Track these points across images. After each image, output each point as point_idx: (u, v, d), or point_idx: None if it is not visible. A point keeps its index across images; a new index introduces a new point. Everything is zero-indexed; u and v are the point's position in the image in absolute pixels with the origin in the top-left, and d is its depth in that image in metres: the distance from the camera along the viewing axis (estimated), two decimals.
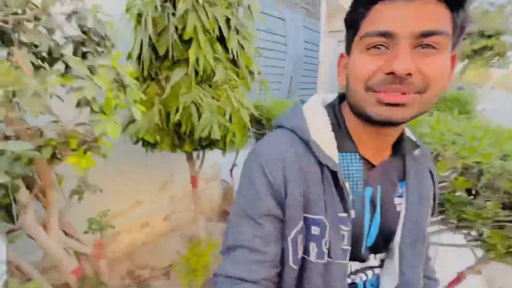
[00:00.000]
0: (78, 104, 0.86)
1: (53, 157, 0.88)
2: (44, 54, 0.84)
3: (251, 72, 1.44)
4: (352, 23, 0.44)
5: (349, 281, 0.54)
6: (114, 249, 1.89)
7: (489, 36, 6.01)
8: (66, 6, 0.83)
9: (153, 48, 1.22)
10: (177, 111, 1.23)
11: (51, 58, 0.84)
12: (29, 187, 0.92)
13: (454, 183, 0.92)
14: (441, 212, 0.98)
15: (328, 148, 0.47)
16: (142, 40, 1.19)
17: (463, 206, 0.90)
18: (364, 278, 0.56)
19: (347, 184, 0.48)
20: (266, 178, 0.47)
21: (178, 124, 1.31)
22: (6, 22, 0.69)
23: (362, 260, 0.55)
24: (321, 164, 0.47)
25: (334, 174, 0.47)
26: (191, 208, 2.37)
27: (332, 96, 0.59)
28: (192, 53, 1.13)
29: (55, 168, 0.96)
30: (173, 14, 1.16)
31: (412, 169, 0.54)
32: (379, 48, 0.40)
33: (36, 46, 0.79)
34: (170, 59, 1.21)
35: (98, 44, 0.88)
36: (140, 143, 1.42)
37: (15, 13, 0.72)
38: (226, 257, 0.49)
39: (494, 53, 5.78)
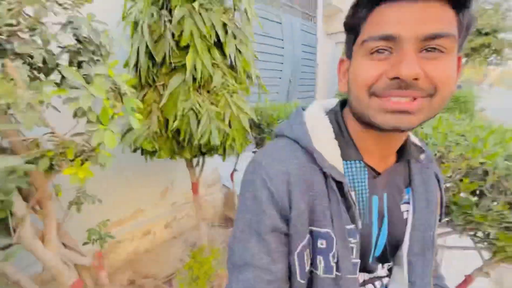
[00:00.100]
0: (75, 115, 0.85)
1: (50, 168, 0.87)
2: (40, 65, 0.83)
3: (249, 77, 1.43)
4: (353, 27, 0.43)
5: None
6: (115, 258, 1.86)
7: (486, 34, 6.02)
8: (61, 16, 0.82)
9: (150, 55, 1.21)
10: (175, 118, 1.22)
11: (47, 68, 0.83)
12: (26, 199, 0.90)
13: (460, 185, 0.90)
14: (447, 214, 0.96)
15: (332, 157, 0.46)
16: (138, 48, 1.19)
17: (469, 208, 0.88)
18: None
19: (352, 194, 0.47)
20: (270, 192, 0.45)
21: (177, 131, 1.30)
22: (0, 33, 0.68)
23: (370, 271, 0.53)
24: (325, 174, 0.45)
25: (339, 184, 0.45)
26: (193, 214, 2.35)
27: (333, 102, 0.57)
28: (189, 59, 1.12)
29: (52, 179, 0.94)
30: (170, 21, 1.15)
31: (418, 175, 0.53)
32: (382, 52, 0.38)
33: (31, 57, 0.79)
34: (167, 66, 1.20)
35: (93, 53, 0.87)
36: (139, 151, 1.41)
37: (9, 24, 0.71)
38: (234, 277, 0.46)
39: (492, 50, 5.78)
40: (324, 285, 0.46)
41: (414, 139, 0.55)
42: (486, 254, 1.00)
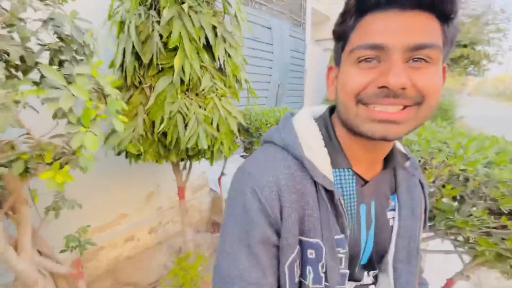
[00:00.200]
0: (55, 116, 0.81)
1: (26, 171, 0.82)
2: (17, 62, 0.79)
3: (238, 81, 1.42)
4: (341, 35, 0.43)
5: None
6: (95, 266, 1.78)
7: (465, 46, 6.33)
8: (42, 12, 0.79)
9: (137, 56, 1.18)
10: (162, 120, 1.19)
11: (25, 66, 0.79)
12: None
13: (442, 191, 0.92)
14: (430, 219, 0.99)
15: (323, 165, 0.45)
16: (125, 48, 1.16)
17: (451, 213, 0.90)
18: None
19: (342, 203, 0.46)
20: (260, 204, 0.43)
21: (164, 134, 1.27)
22: None
23: (357, 279, 0.53)
24: (316, 183, 0.45)
25: (329, 193, 0.45)
26: (178, 219, 2.30)
27: (321, 108, 0.57)
28: (177, 61, 1.10)
29: (28, 183, 0.89)
30: (158, 22, 1.13)
31: (403, 182, 0.53)
32: (370, 61, 0.38)
33: (8, 54, 0.75)
34: (154, 67, 1.17)
35: (76, 52, 0.84)
36: (123, 154, 1.37)
37: None
38: None
39: (470, 61, 6.08)
40: None
41: (399, 146, 0.56)
42: (467, 258, 1.03)
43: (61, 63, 0.85)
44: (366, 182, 0.51)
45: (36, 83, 0.79)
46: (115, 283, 1.78)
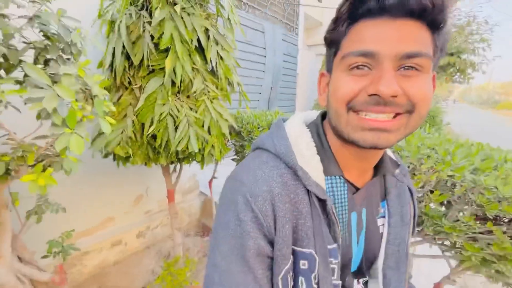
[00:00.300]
0: (39, 116, 0.78)
1: (6, 173, 0.79)
2: (0, 60, 0.76)
3: (230, 84, 1.41)
4: (333, 41, 0.43)
5: None
6: (80, 272, 1.72)
7: (451, 54, 6.55)
8: (27, 9, 0.76)
9: (127, 57, 1.16)
10: (152, 122, 1.17)
11: (8, 64, 0.76)
12: None
13: (430, 196, 0.94)
14: (418, 224, 1.00)
15: (315, 173, 0.44)
16: (114, 48, 1.13)
17: (439, 218, 0.92)
18: None
19: (334, 212, 0.45)
20: (254, 214, 0.41)
21: (153, 136, 1.25)
22: None
23: (347, 287, 0.52)
24: (308, 191, 0.44)
25: (322, 202, 0.44)
26: (168, 223, 2.25)
27: (313, 114, 0.57)
28: (168, 63, 1.09)
29: (8, 185, 0.85)
30: (149, 23, 1.12)
31: (393, 189, 0.53)
32: (361, 68, 0.38)
33: None
34: (145, 68, 1.15)
35: (63, 51, 0.81)
36: (111, 156, 1.33)
37: None
38: None
39: (456, 70, 6.29)
40: None
41: (390, 153, 0.56)
42: (454, 262, 1.05)
43: (46, 62, 0.82)
44: (357, 189, 0.51)
45: (19, 82, 0.76)
46: None
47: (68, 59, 0.85)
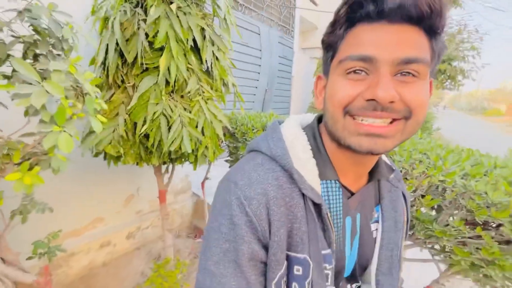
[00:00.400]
0: (27, 113, 0.76)
1: None
2: None
3: (225, 84, 1.41)
4: (330, 44, 0.42)
5: None
6: (66, 273, 1.68)
7: (443, 61, 6.69)
8: (17, 3, 0.74)
9: (121, 54, 1.14)
10: (144, 121, 1.15)
11: None
12: None
13: (422, 201, 0.95)
14: (409, 228, 1.01)
15: (311, 177, 0.44)
16: (108, 45, 1.11)
17: (430, 223, 0.93)
18: None
19: (329, 216, 0.45)
20: (248, 217, 0.40)
21: (146, 136, 1.23)
22: None
23: None
24: (303, 195, 0.44)
25: (317, 206, 0.44)
26: (159, 224, 2.22)
27: (309, 117, 0.56)
28: (163, 62, 1.07)
29: None
30: (144, 20, 1.10)
31: (387, 193, 0.53)
32: (359, 73, 0.38)
33: None
34: (139, 66, 1.13)
35: (53, 47, 0.79)
36: (102, 155, 1.30)
37: None
38: None
39: (447, 76, 6.43)
40: None
41: (385, 158, 0.56)
42: (443, 266, 1.06)
43: (36, 57, 0.80)
44: (352, 194, 0.50)
45: (7, 77, 0.73)
46: None
47: (59, 55, 0.83)
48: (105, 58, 1.15)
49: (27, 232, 1.23)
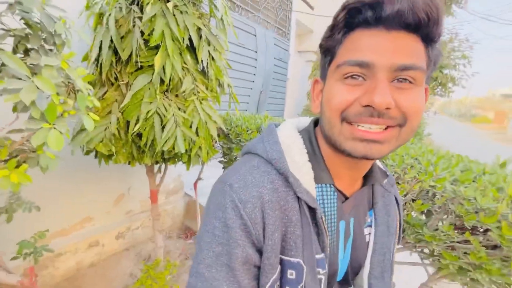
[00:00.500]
0: (15, 109, 0.74)
1: None
2: None
3: (221, 85, 1.40)
4: (328, 49, 0.42)
5: None
6: (52, 274, 1.63)
7: None
8: None
9: (115, 51, 1.12)
10: (138, 120, 1.13)
11: None
12: None
13: (412, 205, 0.96)
14: None
15: (306, 181, 0.44)
16: (102, 42, 1.09)
17: (420, 227, 0.94)
18: None
19: (324, 220, 0.45)
20: (242, 221, 0.40)
21: (138, 135, 1.21)
22: None
23: None
24: (298, 199, 0.44)
25: (311, 210, 0.44)
26: (149, 224, 2.19)
27: (305, 120, 0.56)
28: (158, 60, 1.06)
29: None
30: (140, 18, 1.09)
31: (380, 198, 0.54)
32: (356, 78, 0.38)
33: None
34: (133, 64, 1.12)
35: (45, 41, 0.77)
36: (93, 153, 1.28)
37: None
38: None
39: (438, 83, 6.57)
40: None
41: (379, 163, 0.57)
42: (431, 270, 1.08)
43: (26, 52, 0.77)
44: (346, 198, 0.51)
45: None
46: None
47: (51, 50, 0.81)
48: (98, 55, 1.13)
49: (12, 231, 1.19)
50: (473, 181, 0.87)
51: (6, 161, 0.75)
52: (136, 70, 1.15)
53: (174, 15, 1.08)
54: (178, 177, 2.44)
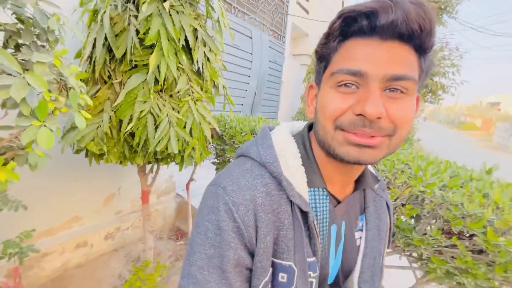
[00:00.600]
0: (4, 105, 0.72)
1: None
2: None
3: (215, 86, 1.40)
4: (323, 56, 0.43)
5: None
6: (38, 275, 1.59)
7: None
8: None
9: (109, 49, 1.11)
10: (131, 119, 1.12)
11: None
12: None
13: (402, 210, 0.98)
14: None
15: (299, 185, 0.44)
16: (96, 39, 1.08)
17: (409, 231, 0.96)
18: None
19: (316, 224, 0.45)
20: (235, 223, 0.40)
21: (131, 134, 1.19)
22: None
23: None
24: (291, 202, 0.44)
25: (304, 214, 0.44)
26: (140, 225, 2.16)
27: (299, 124, 0.57)
28: (153, 60, 1.05)
29: None
30: (135, 17, 1.08)
31: (371, 203, 0.55)
32: (349, 86, 0.39)
33: None
34: (127, 63, 1.11)
35: (38, 37, 0.76)
36: (83, 152, 1.26)
37: None
38: None
39: (428, 90, 6.73)
40: None
41: (371, 168, 0.58)
42: (419, 273, 1.10)
43: (18, 47, 0.76)
44: (338, 202, 0.51)
45: None
46: None
47: (43, 46, 0.79)
48: (92, 52, 1.11)
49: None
50: (461, 187, 0.90)
51: None
52: (130, 69, 1.14)
53: (170, 15, 1.08)
54: (170, 178, 2.42)
